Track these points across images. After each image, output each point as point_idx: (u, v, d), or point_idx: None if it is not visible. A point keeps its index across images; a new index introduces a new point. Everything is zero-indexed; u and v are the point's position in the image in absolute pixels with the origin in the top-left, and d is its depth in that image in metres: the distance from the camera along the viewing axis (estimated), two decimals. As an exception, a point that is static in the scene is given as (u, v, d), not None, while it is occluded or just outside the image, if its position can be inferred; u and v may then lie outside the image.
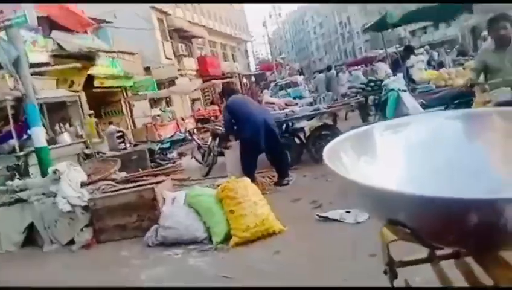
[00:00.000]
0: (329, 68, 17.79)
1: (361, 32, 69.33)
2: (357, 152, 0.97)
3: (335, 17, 79.64)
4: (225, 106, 6.65)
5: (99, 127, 14.10)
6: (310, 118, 7.89)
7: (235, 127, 6.46)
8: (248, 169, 6.15)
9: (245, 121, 6.21)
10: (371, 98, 8.86)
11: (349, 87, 12.41)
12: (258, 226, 3.96)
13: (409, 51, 10.02)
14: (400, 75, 8.09)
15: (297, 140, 7.65)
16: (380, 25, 9.86)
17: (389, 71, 10.63)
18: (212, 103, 26.67)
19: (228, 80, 29.59)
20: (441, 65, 13.05)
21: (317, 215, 4.36)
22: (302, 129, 7.87)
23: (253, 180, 5.52)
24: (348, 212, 4.09)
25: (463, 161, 1.11)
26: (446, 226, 0.83)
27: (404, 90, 7.16)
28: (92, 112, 14.60)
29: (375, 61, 18.76)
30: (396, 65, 9.89)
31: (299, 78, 26.74)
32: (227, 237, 4.06)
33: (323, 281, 2.95)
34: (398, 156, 1.01)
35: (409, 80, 8.59)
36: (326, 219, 4.22)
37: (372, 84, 9.01)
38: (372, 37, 59.67)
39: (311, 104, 12.80)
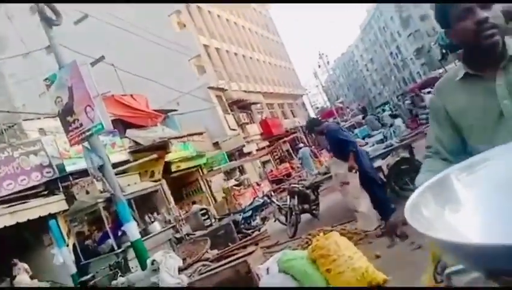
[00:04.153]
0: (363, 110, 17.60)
1: (414, 58, 68.03)
2: (438, 203, 0.88)
3: (384, 50, 79.21)
4: (327, 131, 6.11)
5: (186, 207, 14.83)
6: (384, 156, 7.67)
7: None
8: (390, 208, 5.60)
9: (356, 149, 5.77)
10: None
11: (421, 113, 12.00)
12: (360, 281, 3.80)
13: None
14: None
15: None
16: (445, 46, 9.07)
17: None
18: (282, 162, 26.91)
19: (293, 135, 30.03)
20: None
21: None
22: (379, 168, 7.63)
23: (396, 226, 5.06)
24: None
25: None
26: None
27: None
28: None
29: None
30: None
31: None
32: (332, 298, 3.92)
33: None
34: (481, 201, 0.89)
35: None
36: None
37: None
38: (428, 59, 58.19)
39: (382, 141, 12.34)
